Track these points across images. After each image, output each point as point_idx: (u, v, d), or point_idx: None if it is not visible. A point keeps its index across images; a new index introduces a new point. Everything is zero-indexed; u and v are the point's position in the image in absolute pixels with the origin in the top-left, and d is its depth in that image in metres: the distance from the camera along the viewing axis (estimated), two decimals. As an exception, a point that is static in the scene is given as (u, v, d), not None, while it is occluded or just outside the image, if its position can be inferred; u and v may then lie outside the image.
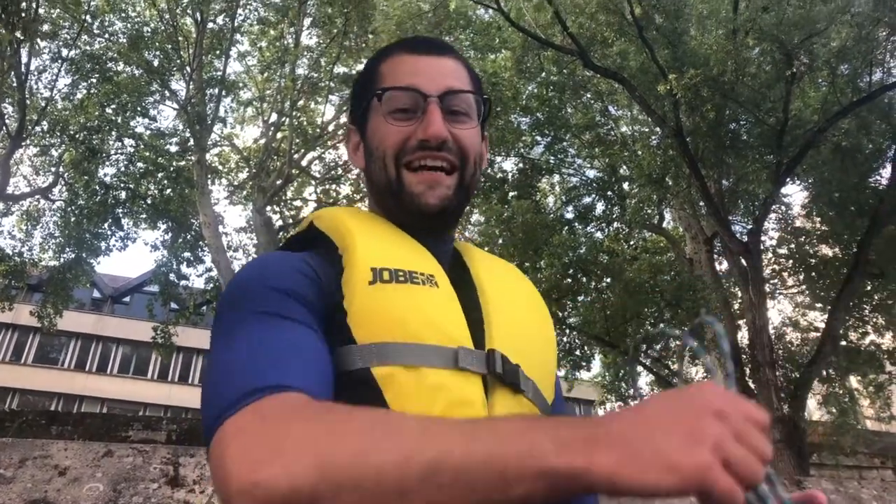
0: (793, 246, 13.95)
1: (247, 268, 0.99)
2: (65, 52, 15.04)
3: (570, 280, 13.32)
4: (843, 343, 12.16)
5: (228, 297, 0.94)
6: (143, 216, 16.51)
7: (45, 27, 14.39)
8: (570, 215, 15.09)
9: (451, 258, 1.11)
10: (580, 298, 13.78)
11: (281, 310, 0.87)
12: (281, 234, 15.76)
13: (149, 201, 16.26)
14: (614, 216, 14.44)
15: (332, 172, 17.06)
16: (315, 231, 1.08)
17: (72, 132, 15.44)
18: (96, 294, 32.79)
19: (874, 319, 13.16)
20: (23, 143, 14.64)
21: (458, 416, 0.83)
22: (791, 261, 13.95)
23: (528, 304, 1.12)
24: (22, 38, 13.61)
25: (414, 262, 1.00)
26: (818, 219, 13.49)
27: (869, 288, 12.62)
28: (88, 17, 15.06)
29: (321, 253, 1.02)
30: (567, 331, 13.01)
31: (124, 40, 15.33)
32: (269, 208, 15.18)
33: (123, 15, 15.59)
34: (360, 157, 1.16)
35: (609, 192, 14.51)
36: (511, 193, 13.96)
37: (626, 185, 14.63)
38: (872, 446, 12.49)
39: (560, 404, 1.15)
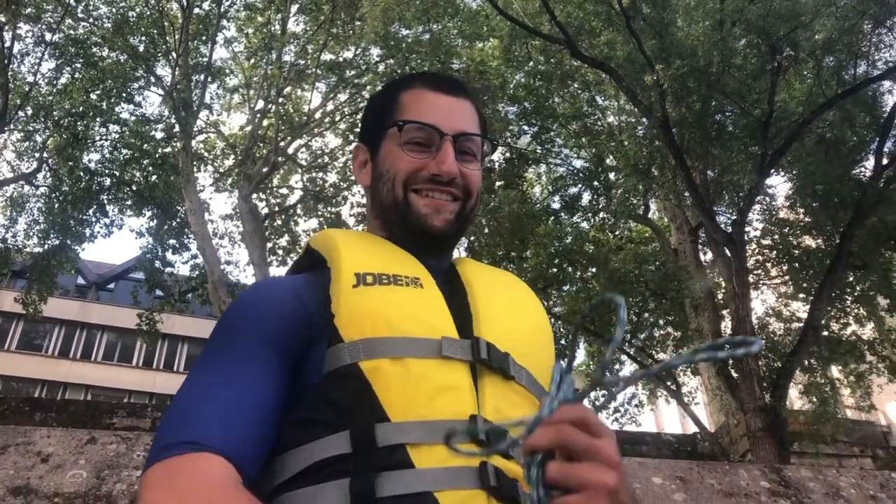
0: (776, 237, 14.02)
1: (233, 303, 1.05)
2: (48, 35, 14.87)
3: (555, 270, 13.37)
4: (825, 333, 12.27)
5: (213, 331, 1.01)
6: (129, 203, 16.38)
7: (28, 10, 14.22)
8: (556, 205, 15.13)
9: (446, 272, 1.16)
10: (565, 288, 13.83)
11: (240, 353, 0.95)
12: (267, 221, 15.71)
13: (134, 188, 16.14)
14: (600, 206, 14.48)
15: (319, 160, 17.00)
16: (312, 252, 1.14)
17: (56, 117, 15.29)
18: (81, 281, 32.58)
19: (856, 310, 13.27)
20: (6, 129, 14.50)
21: (448, 403, 0.90)
22: (775, 252, 14.03)
23: (521, 304, 1.17)
24: (4, 20, 13.46)
25: (398, 267, 1.06)
26: (802, 210, 13.57)
27: (851, 279, 12.73)
28: (72, 1, 14.88)
29: (315, 272, 1.08)
30: (552, 320, 13.05)
31: (109, 25, 15.16)
32: (255, 196, 15.11)
33: (108, -1, 15.41)
34: (367, 175, 1.23)
35: (595, 182, 14.53)
36: (498, 183, 13.97)
37: (612, 176, 14.66)
38: (852, 435, 12.63)
39: None
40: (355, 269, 1.02)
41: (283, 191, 17.39)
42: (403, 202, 1.13)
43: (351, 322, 0.96)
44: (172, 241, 16.28)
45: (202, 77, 15.40)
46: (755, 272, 14.02)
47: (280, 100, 15.28)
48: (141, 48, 15.30)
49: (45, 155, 15.79)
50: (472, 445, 0.89)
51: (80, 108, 15.23)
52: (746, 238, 12.65)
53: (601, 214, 14.62)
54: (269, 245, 15.84)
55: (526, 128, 15.06)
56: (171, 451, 0.82)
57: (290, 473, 0.89)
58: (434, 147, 1.14)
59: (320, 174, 17.00)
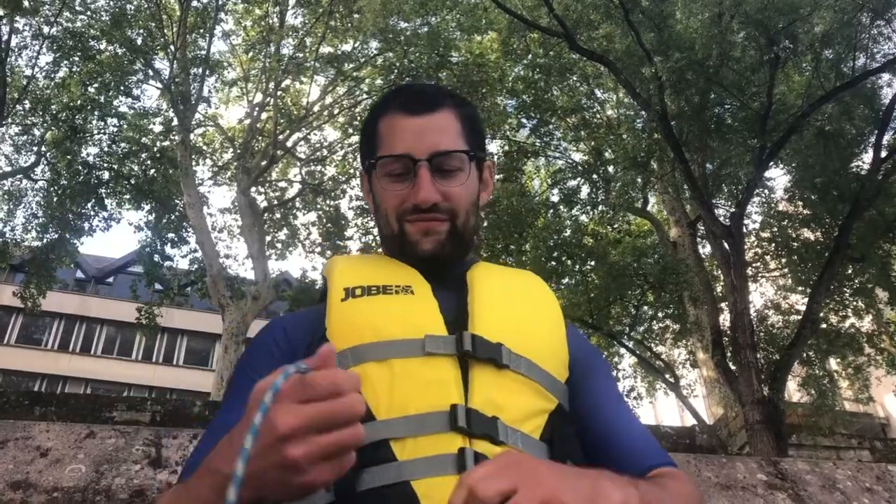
0: (775, 230, 14.03)
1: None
2: (46, 29, 14.82)
3: (554, 262, 13.38)
4: (824, 326, 12.29)
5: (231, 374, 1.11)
6: (127, 196, 16.37)
7: (26, 3, 14.17)
8: (555, 198, 15.13)
9: (457, 278, 1.16)
10: (564, 281, 13.84)
11: (241, 392, 0.98)
12: (265, 214, 15.71)
13: (132, 182, 16.13)
14: (599, 199, 14.47)
15: (318, 153, 16.98)
16: (324, 279, 1.20)
17: (54, 111, 15.26)
18: (80, 275, 32.57)
19: (854, 302, 13.30)
20: (4, 122, 14.46)
21: (430, 396, 0.94)
22: (773, 244, 14.05)
23: (525, 296, 1.18)
24: (1, 13, 13.42)
25: (391, 278, 1.10)
26: (800, 203, 13.57)
27: (850, 271, 12.74)
28: (70, -6, 14.84)
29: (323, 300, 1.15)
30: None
31: (107, 18, 15.12)
32: (253, 189, 15.12)
33: (106, -9, 15.36)
34: (371, 202, 1.27)
35: (594, 176, 14.52)
36: (496, 176, 13.93)
37: (611, 169, 14.65)
38: (850, 427, 12.68)
39: (594, 367, 1.17)
40: (344, 284, 1.09)
41: (282, 184, 17.40)
42: (400, 233, 1.15)
43: (339, 333, 1.02)
44: (171, 235, 16.28)
45: (200, 70, 15.38)
46: (754, 265, 14.04)
47: (278, 93, 15.26)
48: (139, 41, 15.25)
49: (43, 149, 15.77)
50: (454, 434, 0.92)
51: (78, 102, 15.20)
52: (745, 231, 12.65)
53: (600, 207, 14.61)
54: (268, 238, 15.85)
55: (525, 121, 15.05)
56: (171, 490, 0.93)
57: None
58: (412, 174, 1.13)
59: (319, 167, 16.99)
